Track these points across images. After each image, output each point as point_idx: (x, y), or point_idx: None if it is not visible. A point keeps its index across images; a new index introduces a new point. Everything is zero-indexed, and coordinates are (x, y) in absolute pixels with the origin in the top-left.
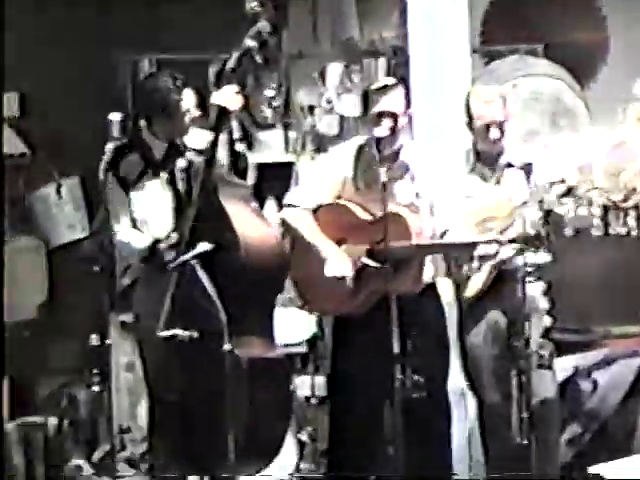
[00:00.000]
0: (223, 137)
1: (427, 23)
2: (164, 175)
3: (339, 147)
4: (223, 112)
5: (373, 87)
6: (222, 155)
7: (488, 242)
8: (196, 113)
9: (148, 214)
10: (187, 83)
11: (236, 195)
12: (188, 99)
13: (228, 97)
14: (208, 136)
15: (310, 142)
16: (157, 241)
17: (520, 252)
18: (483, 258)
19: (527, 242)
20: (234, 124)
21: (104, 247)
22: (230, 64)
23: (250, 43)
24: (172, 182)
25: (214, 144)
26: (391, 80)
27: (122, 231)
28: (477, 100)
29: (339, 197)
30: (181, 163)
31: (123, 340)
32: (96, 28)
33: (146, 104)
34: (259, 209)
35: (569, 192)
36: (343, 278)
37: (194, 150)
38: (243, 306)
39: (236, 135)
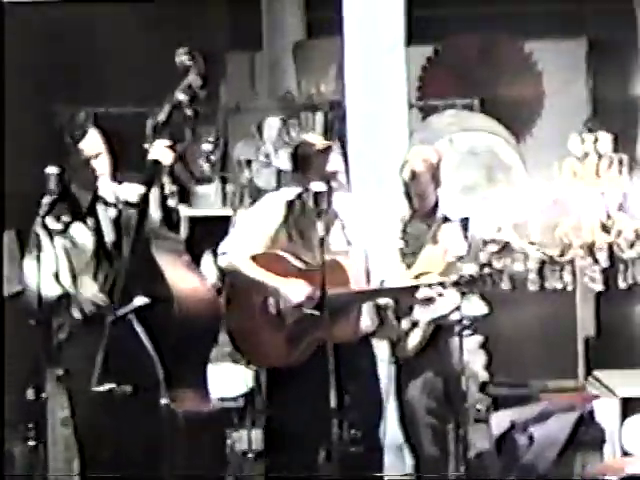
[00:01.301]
0: (155, 191)
1: (364, 77)
2: (90, 222)
3: (270, 197)
4: (156, 165)
5: (305, 142)
6: (154, 209)
7: (429, 286)
8: (106, 161)
9: (71, 258)
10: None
11: (169, 248)
12: (95, 143)
13: (160, 151)
14: (141, 189)
15: (248, 196)
16: (67, 294)
17: (459, 301)
18: (423, 308)
19: (467, 284)
20: (165, 179)
21: (41, 301)
22: (161, 117)
23: (180, 96)
24: (97, 231)
25: (146, 197)
26: (319, 140)
27: (45, 281)
28: (414, 158)
29: (272, 247)
30: (111, 213)
31: (59, 394)
32: (34, 84)
33: (71, 156)
34: (192, 263)
35: (505, 246)
36: (298, 309)
37: (126, 203)
38: (177, 360)
39: (167, 190)
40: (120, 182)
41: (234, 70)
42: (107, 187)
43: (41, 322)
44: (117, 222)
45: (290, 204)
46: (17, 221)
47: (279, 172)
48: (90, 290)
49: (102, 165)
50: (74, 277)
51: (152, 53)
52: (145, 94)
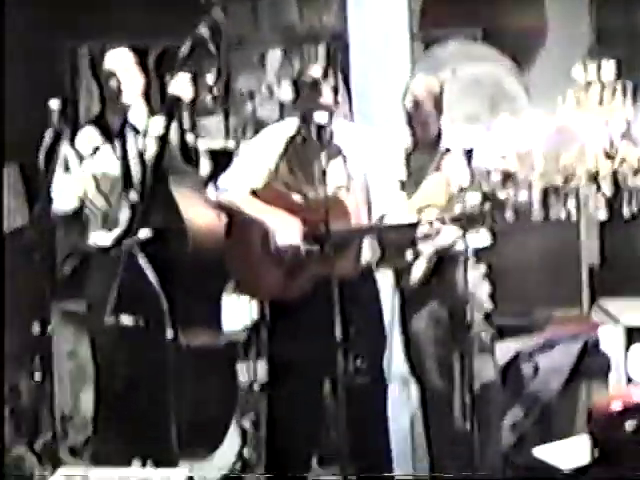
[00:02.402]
0: (175, 125)
1: (366, 8)
2: (118, 148)
3: (270, 129)
4: (176, 100)
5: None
6: (174, 143)
7: (429, 222)
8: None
9: (98, 182)
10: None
11: (186, 183)
12: (123, 59)
13: (182, 86)
14: (161, 122)
15: (251, 128)
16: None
17: (462, 235)
18: (424, 243)
19: (469, 221)
20: (185, 114)
21: (44, 235)
22: (183, 52)
23: (203, 31)
24: (124, 160)
25: (167, 130)
26: (318, 71)
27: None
28: (417, 87)
29: (273, 180)
30: (141, 145)
31: (65, 328)
32: (35, 14)
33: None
34: (209, 198)
35: (509, 176)
36: (293, 249)
37: (151, 135)
38: (190, 294)
39: (187, 125)
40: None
41: (236, 3)
42: (138, 114)
43: (46, 257)
44: (142, 154)
45: (291, 136)
46: (19, 155)
47: (282, 104)
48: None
49: (132, 87)
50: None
51: None
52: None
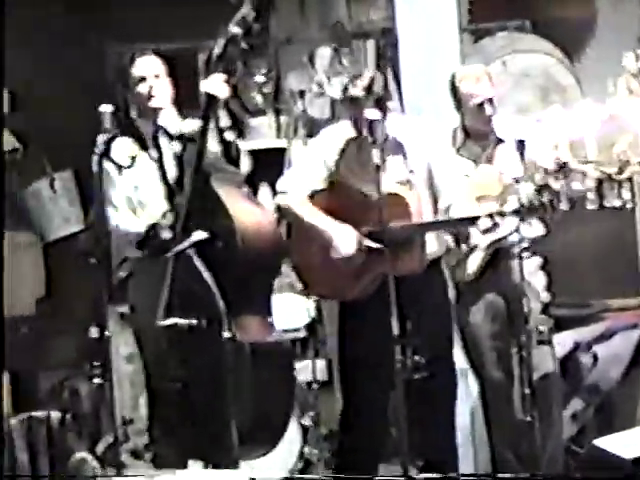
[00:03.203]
0: (212, 125)
1: (414, 3)
2: (153, 152)
3: (328, 130)
4: (212, 100)
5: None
6: (213, 144)
7: (490, 215)
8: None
9: (141, 191)
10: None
11: (229, 182)
12: (151, 66)
13: (216, 85)
14: (198, 124)
15: (302, 127)
16: (153, 225)
17: (517, 226)
18: (483, 234)
19: (528, 212)
20: (222, 112)
21: (100, 239)
22: (216, 51)
23: (235, 29)
24: (160, 164)
25: (204, 132)
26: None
27: (117, 216)
28: (466, 80)
29: (333, 181)
30: (174, 147)
31: (122, 332)
32: (83, 22)
33: (131, 86)
34: (252, 195)
35: (563, 166)
36: (350, 258)
37: (187, 138)
38: (241, 291)
39: (224, 123)
40: (183, 116)
41: (284, 1)
42: (169, 118)
43: (101, 261)
44: (179, 157)
45: (349, 136)
46: (73, 161)
47: (333, 101)
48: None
49: (163, 93)
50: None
51: None
52: (194, 29)
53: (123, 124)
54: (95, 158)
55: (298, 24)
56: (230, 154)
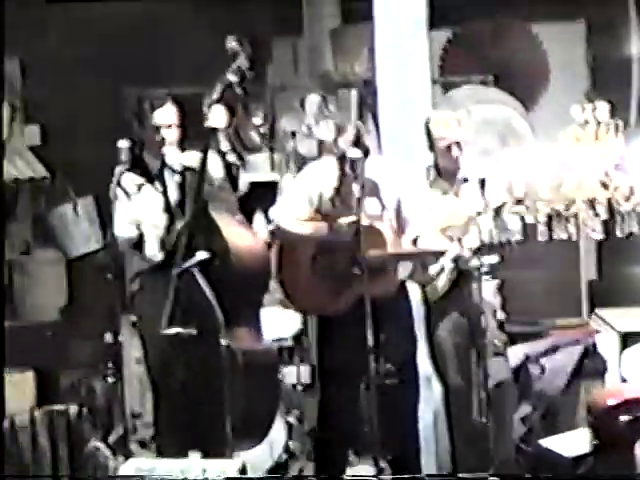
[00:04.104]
0: (214, 154)
1: (393, 58)
2: (158, 185)
3: (312, 166)
4: (212, 132)
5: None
6: (216, 169)
7: (453, 251)
8: (176, 132)
9: (144, 213)
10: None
11: (225, 209)
12: (170, 115)
13: (216, 117)
14: (199, 155)
15: (292, 162)
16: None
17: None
18: (445, 260)
19: (488, 249)
20: (222, 138)
21: (116, 257)
22: (214, 96)
23: (231, 77)
24: (165, 194)
25: (204, 162)
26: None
27: (118, 225)
28: (437, 124)
29: (317, 211)
30: (176, 179)
31: (133, 337)
32: (105, 66)
33: (145, 128)
34: (244, 220)
35: (518, 203)
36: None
37: (189, 169)
38: (235, 305)
39: (224, 147)
40: (184, 150)
41: (279, 54)
42: (174, 156)
43: (117, 276)
44: (182, 186)
45: (331, 172)
46: (94, 188)
47: (320, 142)
48: (152, 249)
49: (171, 135)
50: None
51: (202, 39)
52: (196, 77)
53: (134, 158)
54: (112, 186)
55: (291, 73)
56: (231, 174)
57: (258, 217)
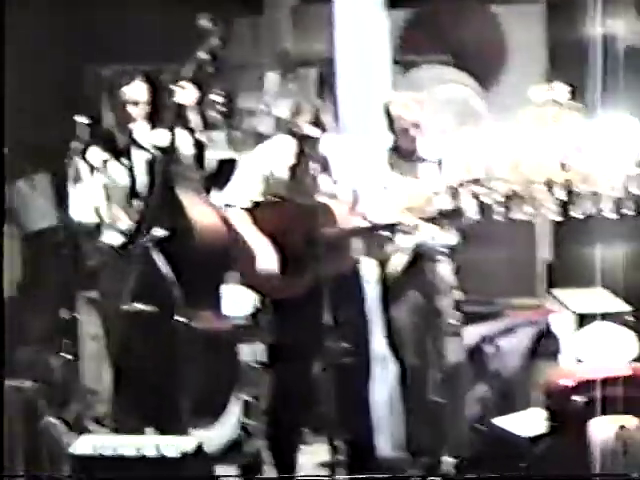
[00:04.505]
0: (182, 132)
1: (352, 37)
2: (125, 160)
3: (265, 145)
4: (180, 108)
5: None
6: (185, 147)
7: (408, 223)
8: (146, 108)
9: (110, 192)
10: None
11: (192, 188)
12: (139, 91)
13: (182, 93)
14: (168, 134)
15: (251, 141)
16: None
17: (435, 233)
18: (403, 239)
19: (442, 219)
20: (192, 116)
21: (72, 234)
22: (185, 73)
23: (203, 56)
24: (131, 171)
25: (173, 140)
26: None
27: (74, 207)
28: (397, 105)
29: (271, 191)
30: (144, 156)
31: (89, 314)
32: (64, 41)
33: (112, 100)
34: (209, 199)
35: (475, 183)
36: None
37: (157, 147)
38: (195, 284)
39: (194, 125)
40: (154, 127)
41: (239, 32)
42: (143, 133)
43: (73, 252)
44: (151, 165)
45: (287, 151)
46: (51, 165)
47: (278, 119)
48: (123, 222)
49: (139, 111)
50: (109, 209)
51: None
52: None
53: (100, 133)
54: (74, 161)
55: (251, 51)
56: (201, 153)
57: (213, 195)
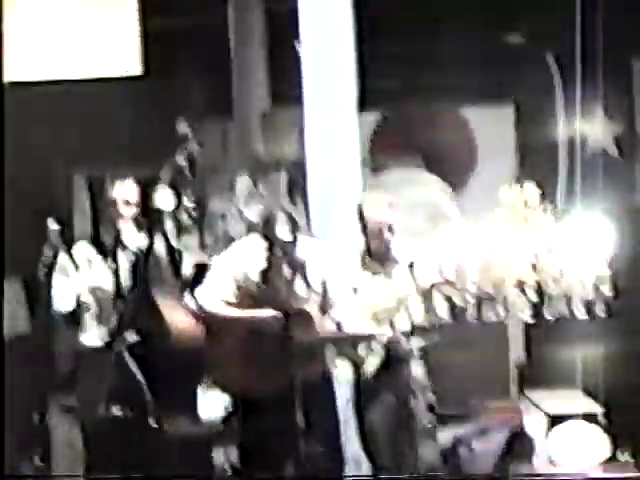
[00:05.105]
0: (159, 237)
1: (322, 140)
2: (110, 262)
3: (236, 246)
4: (159, 214)
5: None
6: (162, 252)
7: (382, 334)
8: (133, 210)
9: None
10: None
11: (169, 292)
12: (130, 191)
13: (164, 199)
14: (145, 238)
15: (222, 244)
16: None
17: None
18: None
19: (417, 331)
20: (169, 223)
21: (46, 341)
22: (165, 179)
23: (181, 161)
24: (116, 274)
25: (151, 244)
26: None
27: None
28: (369, 206)
29: (242, 294)
30: (131, 258)
31: (62, 420)
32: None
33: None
34: (186, 304)
35: (447, 284)
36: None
37: (140, 250)
38: (170, 388)
39: (169, 231)
40: (140, 229)
41: (209, 137)
42: (130, 234)
43: (46, 357)
44: (134, 267)
45: (258, 252)
46: (21, 269)
47: (249, 224)
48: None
49: (128, 212)
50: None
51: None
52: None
53: (89, 232)
54: (41, 267)
55: (221, 155)
56: (174, 258)
57: (187, 297)
